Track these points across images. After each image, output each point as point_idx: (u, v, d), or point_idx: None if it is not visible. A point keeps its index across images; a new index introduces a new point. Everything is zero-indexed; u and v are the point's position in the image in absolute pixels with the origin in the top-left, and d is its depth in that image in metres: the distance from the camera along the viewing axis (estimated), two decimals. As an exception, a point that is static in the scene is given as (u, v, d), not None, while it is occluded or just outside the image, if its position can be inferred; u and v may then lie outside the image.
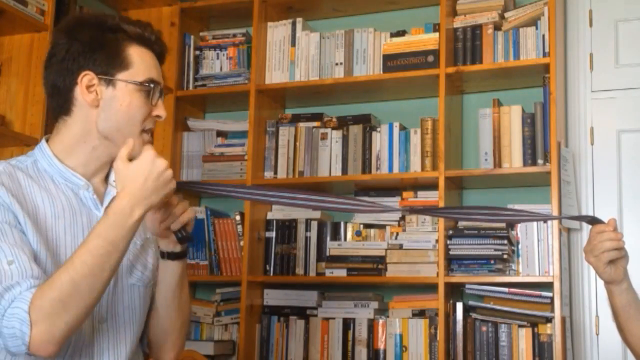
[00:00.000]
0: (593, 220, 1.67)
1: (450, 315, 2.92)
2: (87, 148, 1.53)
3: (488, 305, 2.90)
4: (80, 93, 1.51)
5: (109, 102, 1.50)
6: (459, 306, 2.92)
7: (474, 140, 3.13)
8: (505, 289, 2.88)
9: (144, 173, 1.40)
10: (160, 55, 1.60)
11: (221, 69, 3.45)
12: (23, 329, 1.28)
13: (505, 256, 2.87)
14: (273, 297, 3.24)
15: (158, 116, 1.56)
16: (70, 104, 1.52)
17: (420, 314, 3.03)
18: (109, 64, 1.50)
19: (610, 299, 1.71)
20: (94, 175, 1.56)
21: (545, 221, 2.89)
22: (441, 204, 2.93)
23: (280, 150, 3.29)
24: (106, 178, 1.59)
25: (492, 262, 2.88)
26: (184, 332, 1.71)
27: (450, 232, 2.96)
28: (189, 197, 3.49)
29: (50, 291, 1.30)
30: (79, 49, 1.50)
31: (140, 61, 1.52)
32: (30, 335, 1.28)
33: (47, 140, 1.57)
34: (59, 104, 1.54)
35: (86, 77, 1.50)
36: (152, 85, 1.53)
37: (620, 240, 1.61)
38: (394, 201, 3.16)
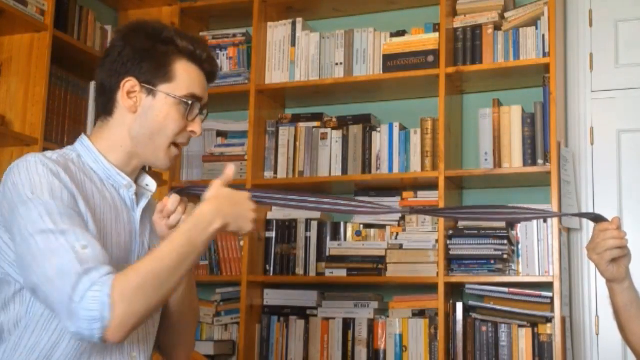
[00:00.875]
0: (597, 218, 1.67)
1: (450, 315, 2.92)
2: (123, 151, 1.56)
3: (488, 305, 2.90)
4: (120, 97, 1.54)
5: (147, 111, 1.54)
6: (459, 306, 2.92)
7: (474, 140, 3.13)
8: (505, 289, 2.88)
9: (237, 200, 1.47)
10: (210, 74, 1.62)
11: (221, 69, 3.44)
12: (104, 313, 1.27)
13: (505, 256, 2.87)
14: (273, 297, 3.24)
15: (193, 132, 1.59)
16: (113, 105, 1.55)
17: (420, 314, 3.03)
18: (153, 74, 1.53)
19: (611, 298, 1.71)
20: (131, 176, 1.59)
21: (545, 220, 2.88)
22: (441, 204, 2.93)
23: (280, 150, 3.29)
24: (136, 181, 1.62)
25: (492, 262, 2.88)
26: (194, 331, 1.76)
27: (450, 232, 2.96)
28: (188, 197, 3.49)
29: (135, 277, 1.31)
30: (129, 54, 1.54)
31: (185, 76, 1.55)
32: (110, 321, 1.27)
33: (89, 138, 1.59)
34: (103, 103, 1.57)
35: (129, 83, 1.53)
36: (190, 102, 1.55)
37: (624, 239, 1.61)
38: (394, 201, 3.16)
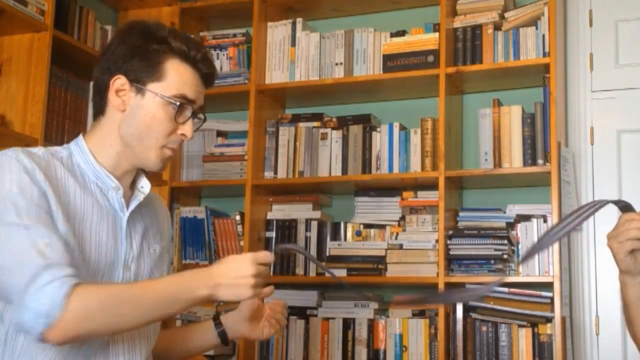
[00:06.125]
0: (626, 207, 1.65)
1: (450, 315, 2.92)
2: (113, 152, 1.54)
3: (488, 305, 2.90)
4: (110, 95, 1.52)
5: (135, 110, 1.51)
6: (459, 306, 2.92)
7: (474, 140, 3.13)
8: (505, 289, 2.88)
9: (234, 270, 1.43)
10: (206, 77, 1.58)
11: (221, 69, 3.44)
12: (53, 311, 1.27)
13: (505, 256, 2.87)
14: (273, 297, 3.23)
15: (183, 135, 1.55)
16: (105, 104, 1.54)
17: (420, 314, 3.03)
18: (143, 73, 1.51)
19: (622, 291, 1.70)
20: (120, 180, 1.56)
21: (545, 220, 2.88)
22: (441, 204, 2.93)
23: (280, 150, 3.29)
24: (133, 184, 1.60)
25: (492, 262, 2.88)
26: None
27: (450, 232, 2.96)
28: (189, 197, 3.50)
29: (102, 294, 1.33)
30: (122, 52, 1.52)
31: (175, 76, 1.52)
32: (56, 321, 1.27)
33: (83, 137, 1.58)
34: (96, 102, 1.56)
35: (118, 81, 1.51)
36: (178, 103, 1.51)
37: None
38: (394, 201, 3.16)
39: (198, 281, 1.40)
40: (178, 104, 1.51)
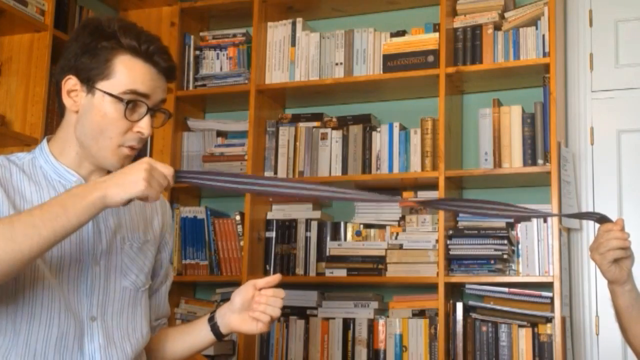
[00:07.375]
0: (602, 219, 1.67)
1: (450, 315, 2.92)
2: (72, 152, 1.53)
3: (488, 305, 2.90)
4: (63, 96, 1.51)
5: (87, 110, 1.49)
6: (459, 306, 2.92)
7: (474, 140, 3.13)
8: (505, 289, 2.88)
9: (125, 170, 1.37)
10: (165, 70, 1.52)
11: (221, 69, 3.45)
12: None
13: (505, 256, 2.87)
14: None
15: (139, 132, 1.50)
16: (63, 105, 1.53)
17: (420, 314, 3.03)
18: (93, 71, 1.47)
19: (613, 300, 1.71)
20: (88, 177, 1.55)
21: (545, 220, 2.88)
22: (441, 204, 2.93)
23: (280, 150, 3.29)
24: None
25: (492, 262, 2.88)
26: None
27: (450, 232, 2.96)
28: (190, 197, 3.50)
29: None
30: (74, 51, 1.50)
31: (124, 72, 1.47)
32: None
33: (48, 140, 1.59)
34: (58, 103, 1.55)
35: (69, 81, 1.49)
36: (126, 100, 1.46)
37: (627, 240, 1.61)
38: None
39: (86, 187, 1.35)
40: (126, 100, 1.47)
